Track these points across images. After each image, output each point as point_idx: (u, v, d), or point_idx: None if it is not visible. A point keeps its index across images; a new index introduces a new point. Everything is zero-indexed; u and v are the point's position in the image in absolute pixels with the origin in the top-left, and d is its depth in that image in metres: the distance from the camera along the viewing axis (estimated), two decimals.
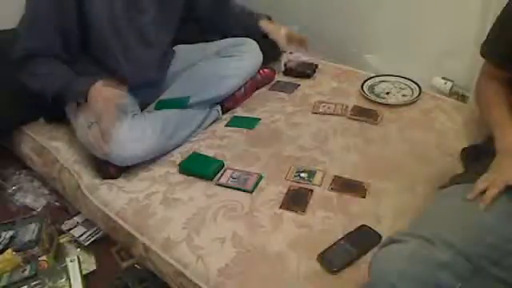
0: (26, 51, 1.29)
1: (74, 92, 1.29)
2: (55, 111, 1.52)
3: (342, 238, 1.05)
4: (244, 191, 1.23)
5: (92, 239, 1.42)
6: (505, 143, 0.94)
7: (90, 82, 1.27)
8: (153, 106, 1.49)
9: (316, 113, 1.57)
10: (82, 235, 1.43)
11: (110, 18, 1.32)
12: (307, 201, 1.18)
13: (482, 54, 1.12)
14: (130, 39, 1.39)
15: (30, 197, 1.62)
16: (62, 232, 1.47)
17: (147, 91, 1.52)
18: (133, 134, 1.30)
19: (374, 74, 1.76)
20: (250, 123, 1.54)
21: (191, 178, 1.30)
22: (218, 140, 1.47)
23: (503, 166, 0.89)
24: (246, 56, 1.64)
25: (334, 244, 1.04)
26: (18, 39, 1.30)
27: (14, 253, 1.28)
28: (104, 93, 1.25)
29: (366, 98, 1.62)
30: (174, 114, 1.43)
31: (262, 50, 1.70)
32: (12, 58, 1.30)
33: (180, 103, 1.46)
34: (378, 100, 1.59)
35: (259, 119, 1.55)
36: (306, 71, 1.83)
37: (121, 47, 1.39)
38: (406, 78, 1.70)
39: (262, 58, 1.70)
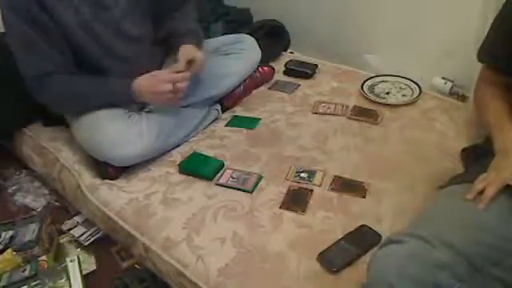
0: (37, 73, 1.29)
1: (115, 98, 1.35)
2: (54, 115, 1.51)
3: (342, 238, 1.05)
4: (244, 191, 1.23)
5: (92, 239, 1.42)
6: (502, 143, 0.95)
7: (126, 85, 1.32)
8: (151, 105, 1.48)
9: (316, 113, 1.57)
10: (82, 235, 1.43)
11: (80, 23, 1.30)
12: (307, 201, 1.18)
13: (480, 59, 1.11)
14: (107, 37, 1.36)
15: (30, 197, 1.62)
16: (62, 232, 1.47)
17: None
18: (131, 133, 1.30)
19: (374, 74, 1.76)
20: (250, 123, 1.54)
21: (191, 178, 1.30)
22: (218, 140, 1.47)
23: (501, 166, 0.89)
24: (244, 54, 1.64)
25: (334, 244, 1.04)
26: (21, 66, 1.30)
27: (14, 253, 1.28)
28: (151, 87, 1.31)
29: (366, 98, 1.62)
30: (172, 113, 1.43)
31: (260, 47, 1.70)
32: (26, 83, 1.31)
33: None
34: (378, 100, 1.59)
35: (259, 119, 1.55)
36: (306, 71, 1.83)
37: (100, 47, 1.36)
38: (406, 77, 1.70)
39: (260, 56, 1.69)
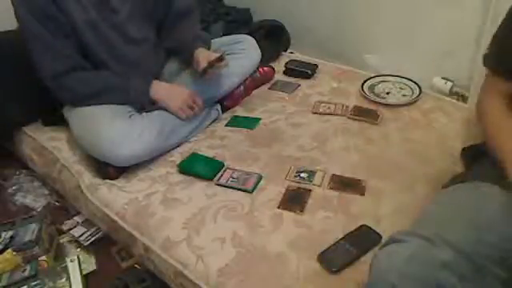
0: (54, 73, 1.32)
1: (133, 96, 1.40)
2: (53, 114, 1.51)
3: (342, 238, 1.05)
4: (244, 191, 1.23)
5: (92, 239, 1.42)
6: None
7: (145, 85, 1.40)
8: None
9: (316, 113, 1.57)
10: (82, 235, 1.43)
11: (87, 22, 1.32)
12: (305, 201, 1.18)
13: (486, 63, 1.02)
14: (113, 39, 1.38)
15: (30, 197, 1.62)
16: (62, 232, 1.47)
17: None
18: (131, 133, 1.30)
19: (374, 74, 1.76)
20: (250, 123, 1.54)
21: (191, 178, 1.30)
22: (218, 140, 1.47)
23: None
24: (245, 54, 1.64)
25: (334, 244, 1.04)
26: (38, 66, 1.32)
27: (14, 253, 1.28)
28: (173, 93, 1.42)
29: (366, 98, 1.62)
30: (172, 113, 1.43)
31: (260, 48, 1.70)
32: (45, 82, 1.34)
33: None
34: (378, 100, 1.59)
35: (259, 119, 1.55)
36: (306, 71, 1.83)
37: (105, 48, 1.38)
38: (406, 77, 1.70)
39: (260, 56, 1.69)
